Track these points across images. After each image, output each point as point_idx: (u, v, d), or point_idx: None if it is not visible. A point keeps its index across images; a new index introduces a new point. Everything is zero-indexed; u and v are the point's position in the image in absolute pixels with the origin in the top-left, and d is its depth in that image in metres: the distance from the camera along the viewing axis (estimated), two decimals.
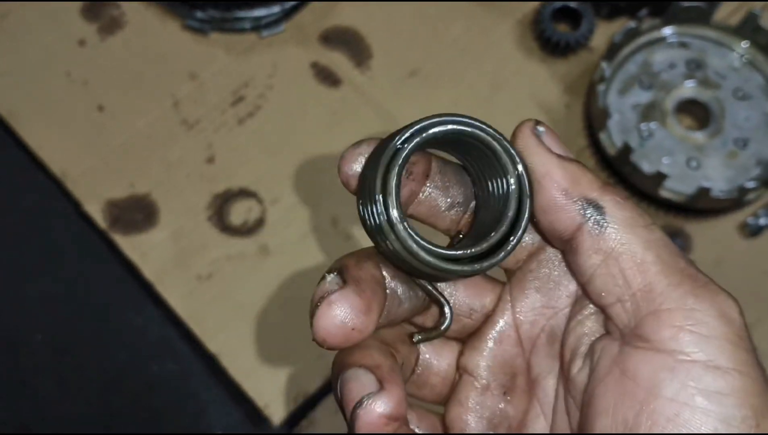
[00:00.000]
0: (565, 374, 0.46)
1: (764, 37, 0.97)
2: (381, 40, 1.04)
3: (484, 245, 0.43)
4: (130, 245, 0.95)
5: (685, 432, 0.39)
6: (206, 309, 0.93)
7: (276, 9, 1.03)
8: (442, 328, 0.46)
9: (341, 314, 0.40)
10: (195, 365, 0.92)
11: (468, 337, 0.49)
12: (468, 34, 1.04)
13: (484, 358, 0.47)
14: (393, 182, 0.41)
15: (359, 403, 0.40)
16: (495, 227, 0.43)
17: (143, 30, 1.04)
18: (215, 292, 0.93)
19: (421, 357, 0.48)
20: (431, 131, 0.41)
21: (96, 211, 0.96)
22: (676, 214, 0.95)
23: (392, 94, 1.02)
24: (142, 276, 0.94)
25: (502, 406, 0.48)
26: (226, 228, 0.96)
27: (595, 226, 0.42)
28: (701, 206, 0.93)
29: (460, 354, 0.48)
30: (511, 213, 0.43)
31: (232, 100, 1.01)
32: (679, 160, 0.95)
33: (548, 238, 0.45)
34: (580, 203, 0.42)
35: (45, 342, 0.93)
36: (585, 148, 0.98)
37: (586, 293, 0.45)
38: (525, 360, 0.48)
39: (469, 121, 0.42)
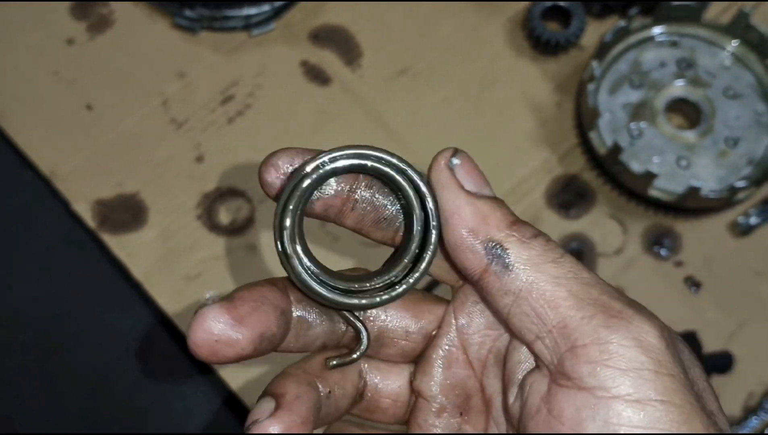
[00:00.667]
0: (504, 400, 0.46)
1: (754, 36, 0.97)
2: (371, 39, 1.04)
3: (386, 278, 0.44)
4: (118, 245, 0.94)
5: None
6: (195, 308, 0.92)
7: (266, 8, 1.02)
8: (355, 355, 0.46)
9: (207, 325, 0.41)
10: (183, 365, 0.91)
11: (418, 360, 0.48)
12: (458, 33, 1.04)
13: (435, 382, 0.47)
14: (288, 220, 0.42)
15: (252, 423, 0.42)
16: (401, 259, 0.44)
17: (132, 28, 1.04)
18: (204, 291, 0.93)
19: (369, 381, 0.49)
20: (331, 166, 0.42)
21: (85, 211, 0.96)
22: (666, 213, 0.95)
23: (382, 92, 1.01)
24: (130, 275, 0.93)
25: (459, 426, 0.47)
26: (214, 227, 0.95)
27: (501, 268, 0.41)
28: (691, 206, 0.93)
29: (413, 377, 0.48)
30: (414, 247, 0.43)
31: (221, 99, 1.01)
32: (669, 159, 0.95)
33: (461, 276, 0.45)
34: (486, 244, 0.41)
35: (33, 341, 0.93)
36: (575, 147, 0.98)
37: (508, 331, 0.44)
38: (477, 380, 0.48)
39: (375, 154, 0.43)
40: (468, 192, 0.42)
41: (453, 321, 0.47)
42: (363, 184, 0.45)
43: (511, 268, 0.41)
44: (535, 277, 0.41)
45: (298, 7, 1.04)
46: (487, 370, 0.47)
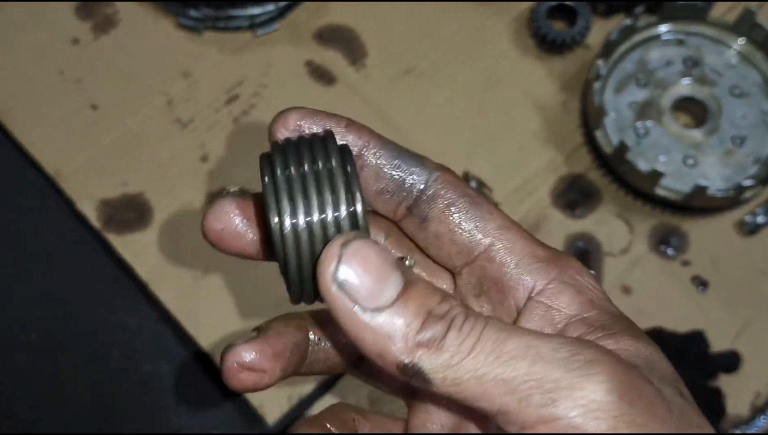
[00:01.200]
0: None
1: (760, 34, 0.97)
2: (375, 39, 1.04)
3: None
4: (123, 245, 0.94)
5: None
6: (201, 308, 0.92)
7: (270, 7, 1.02)
8: None
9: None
10: (189, 365, 0.91)
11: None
12: (463, 32, 1.04)
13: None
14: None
15: (228, 346, 0.44)
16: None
17: (137, 28, 1.04)
18: (210, 291, 0.93)
19: None
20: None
21: (89, 210, 0.96)
22: (673, 212, 0.94)
23: (387, 92, 1.01)
24: (136, 275, 0.93)
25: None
26: None
27: (423, 382, 0.37)
28: (698, 204, 0.93)
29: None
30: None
31: (226, 99, 1.01)
32: (676, 158, 0.94)
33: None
34: (399, 368, 0.36)
35: (39, 341, 0.93)
36: (581, 146, 0.98)
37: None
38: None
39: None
40: (363, 310, 0.36)
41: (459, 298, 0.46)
42: (372, 151, 0.44)
43: (431, 381, 0.37)
44: (456, 383, 0.36)
45: (302, 7, 1.04)
46: None
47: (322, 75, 1.02)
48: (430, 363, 0.36)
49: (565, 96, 1.00)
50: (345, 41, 1.04)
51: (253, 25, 1.03)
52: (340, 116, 0.45)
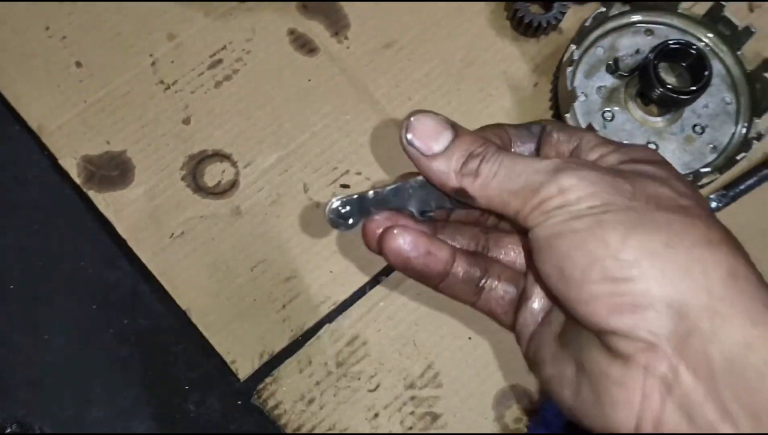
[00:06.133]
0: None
1: (727, 27, 1.01)
2: (358, 11, 1.06)
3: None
4: (104, 201, 0.97)
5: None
6: (178, 266, 0.96)
7: None
8: None
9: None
10: (166, 320, 0.95)
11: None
12: (444, 10, 1.07)
13: None
14: None
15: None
16: None
17: None
18: (187, 250, 0.96)
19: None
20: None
21: (71, 166, 0.98)
22: None
23: (367, 64, 1.04)
24: (115, 232, 0.96)
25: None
26: (199, 188, 0.98)
27: (470, 200, 0.52)
28: None
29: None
30: None
31: (210, 63, 1.03)
32: (639, 143, 0.99)
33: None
34: (453, 192, 0.53)
35: (18, 291, 0.95)
36: None
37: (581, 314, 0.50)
38: None
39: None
40: (426, 158, 0.51)
41: None
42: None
43: (474, 198, 0.51)
44: (488, 198, 0.51)
45: None
46: None
47: (304, 44, 1.05)
48: (470, 186, 0.50)
49: (537, 78, 1.04)
50: (328, 12, 1.06)
51: None
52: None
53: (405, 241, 0.54)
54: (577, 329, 0.49)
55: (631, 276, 0.44)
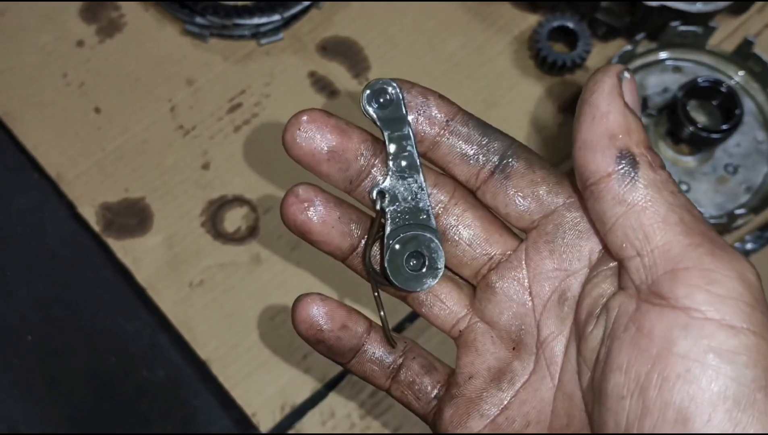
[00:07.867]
0: (578, 333, 0.47)
1: (757, 65, 0.99)
2: (379, 52, 1.05)
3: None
4: (123, 249, 0.95)
5: (694, 388, 0.39)
6: (198, 316, 0.93)
7: (276, 17, 1.03)
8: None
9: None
10: (185, 372, 0.93)
11: (480, 287, 0.51)
12: (464, 50, 1.05)
13: (499, 310, 0.50)
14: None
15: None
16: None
17: (142, 33, 1.04)
18: (207, 299, 0.94)
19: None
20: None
21: (90, 214, 0.97)
22: None
23: None
24: (134, 281, 0.95)
25: (509, 361, 0.50)
26: (219, 235, 0.96)
27: (625, 178, 0.43)
28: None
29: (477, 300, 0.51)
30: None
31: (229, 108, 1.02)
32: None
33: (577, 176, 0.46)
34: (620, 152, 0.43)
35: (36, 344, 0.94)
36: None
37: (605, 244, 0.46)
38: (535, 320, 0.49)
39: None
40: (625, 103, 0.44)
41: (523, 255, 0.50)
42: (460, 119, 0.50)
43: (635, 181, 0.43)
44: (653, 197, 0.43)
45: (307, 18, 1.05)
46: (548, 311, 0.49)
47: (324, 86, 1.03)
48: (645, 170, 0.43)
49: (563, 117, 1.02)
50: (348, 54, 1.05)
51: (258, 34, 1.04)
52: (427, 89, 0.51)
53: (319, 312, 0.51)
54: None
55: None
